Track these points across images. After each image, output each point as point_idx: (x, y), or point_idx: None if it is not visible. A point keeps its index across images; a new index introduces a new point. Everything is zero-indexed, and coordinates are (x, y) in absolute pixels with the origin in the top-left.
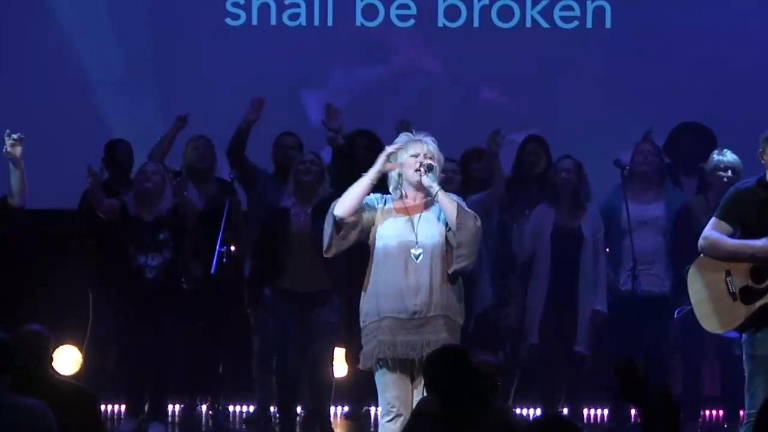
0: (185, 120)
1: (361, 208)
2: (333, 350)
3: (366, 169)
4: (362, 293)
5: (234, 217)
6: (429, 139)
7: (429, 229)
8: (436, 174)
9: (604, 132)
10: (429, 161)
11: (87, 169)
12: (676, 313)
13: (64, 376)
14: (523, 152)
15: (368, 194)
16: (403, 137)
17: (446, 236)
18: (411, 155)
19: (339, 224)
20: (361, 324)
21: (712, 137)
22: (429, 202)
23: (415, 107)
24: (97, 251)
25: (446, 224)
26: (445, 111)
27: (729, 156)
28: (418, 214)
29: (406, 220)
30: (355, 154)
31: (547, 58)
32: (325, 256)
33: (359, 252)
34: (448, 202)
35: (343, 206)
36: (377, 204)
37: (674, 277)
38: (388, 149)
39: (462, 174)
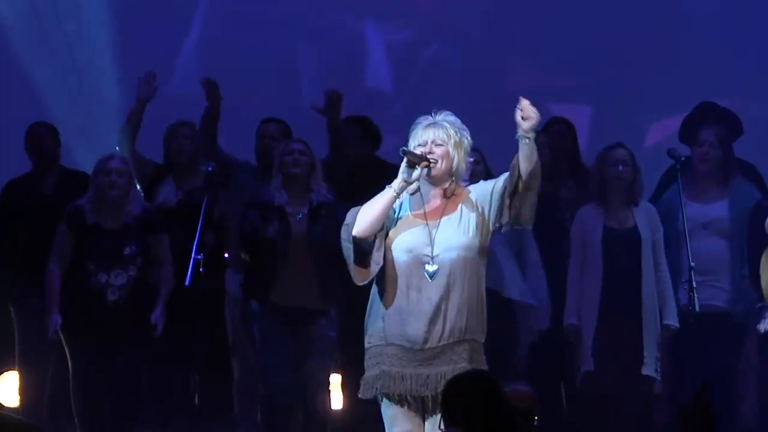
0: (151, 83)
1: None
2: (330, 372)
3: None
4: (367, 309)
5: (215, 217)
6: (446, 121)
7: (448, 240)
8: (455, 164)
9: (649, 110)
10: (440, 148)
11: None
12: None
13: (4, 407)
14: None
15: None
16: (420, 122)
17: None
18: (418, 144)
19: (360, 244)
20: (366, 345)
21: (737, 124)
22: (454, 201)
23: (429, 82)
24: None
25: (476, 226)
26: (466, 84)
27: None
28: (438, 220)
29: (423, 227)
30: (345, 144)
31: (583, 26)
32: (359, 284)
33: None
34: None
35: (363, 225)
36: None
37: (740, 292)
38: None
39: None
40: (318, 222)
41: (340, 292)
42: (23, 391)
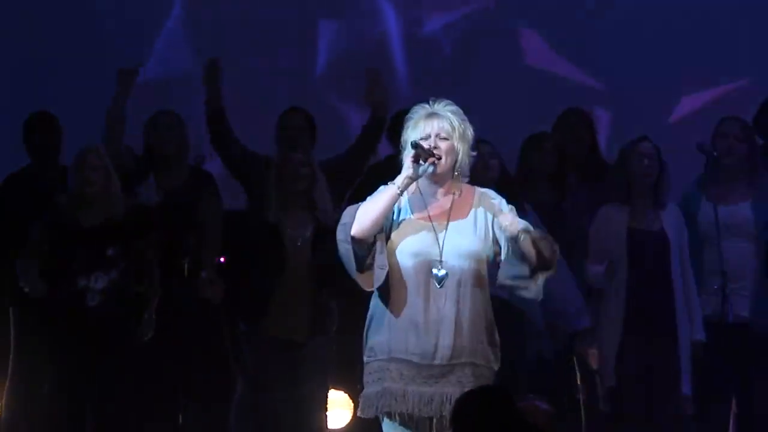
0: (135, 72)
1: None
2: (327, 390)
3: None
4: (366, 321)
5: (208, 218)
6: (448, 110)
7: (460, 245)
8: (459, 158)
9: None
10: (445, 142)
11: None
12: None
13: None
14: (558, 129)
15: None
16: (418, 111)
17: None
18: (420, 138)
19: (358, 246)
20: (365, 359)
21: None
22: (463, 203)
23: (446, 60)
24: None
25: (493, 238)
26: (483, 66)
27: None
28: (446, 222)
29: (429, 228)
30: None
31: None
32: (368, 289)
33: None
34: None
35: (363, 225)
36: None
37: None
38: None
39: (524, 166)
40: (324, 249)
41: (339, 316)
42: (11, 403)
